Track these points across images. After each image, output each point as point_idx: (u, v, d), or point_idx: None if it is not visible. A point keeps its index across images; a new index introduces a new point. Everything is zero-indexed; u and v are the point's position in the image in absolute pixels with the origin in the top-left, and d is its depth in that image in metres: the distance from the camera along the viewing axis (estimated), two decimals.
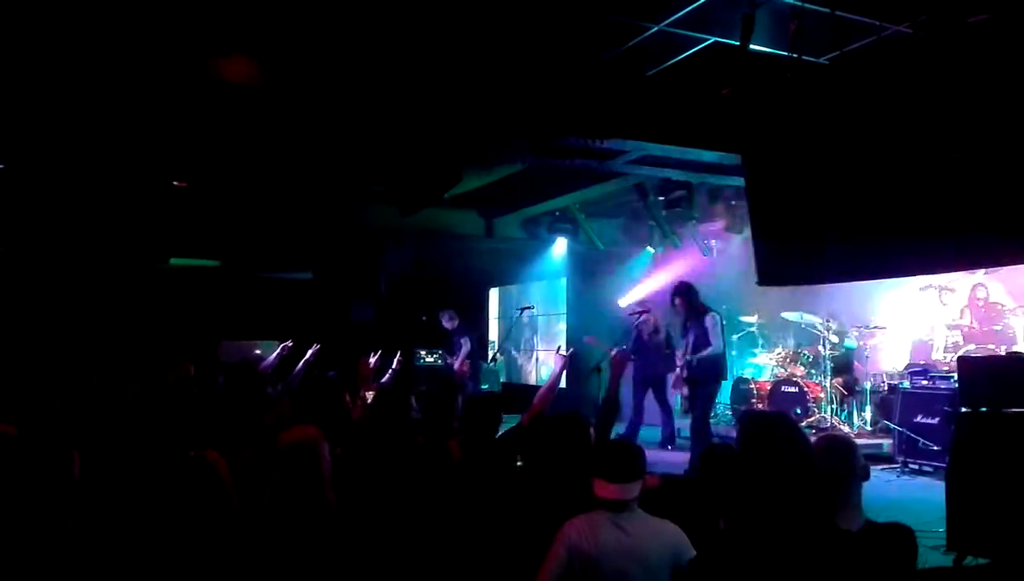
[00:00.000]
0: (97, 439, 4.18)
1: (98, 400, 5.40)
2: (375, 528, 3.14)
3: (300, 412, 5.32)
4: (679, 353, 8.18)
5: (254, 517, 2.90)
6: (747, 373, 11.28)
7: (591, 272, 13.60)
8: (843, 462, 2.92)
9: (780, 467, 2.15)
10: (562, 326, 14.24)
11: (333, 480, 3.01)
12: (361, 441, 3.99)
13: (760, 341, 11.43)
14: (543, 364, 15.05)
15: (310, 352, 6.67)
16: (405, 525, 3.33)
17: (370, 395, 5.45)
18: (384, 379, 6.91)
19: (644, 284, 12.59)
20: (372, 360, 7.10)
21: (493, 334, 15.74)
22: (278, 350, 6.79)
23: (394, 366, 7.37)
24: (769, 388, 10.26)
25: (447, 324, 11.28)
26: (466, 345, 11.12)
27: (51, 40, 6.10)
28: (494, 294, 16.10)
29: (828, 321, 9.80)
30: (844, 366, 9.92)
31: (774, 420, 2.33)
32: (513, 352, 15.63)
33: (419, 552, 3.27)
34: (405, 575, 3.15)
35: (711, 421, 9.36)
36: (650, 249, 12.87)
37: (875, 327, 10.01)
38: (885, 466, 7.48)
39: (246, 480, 3.31)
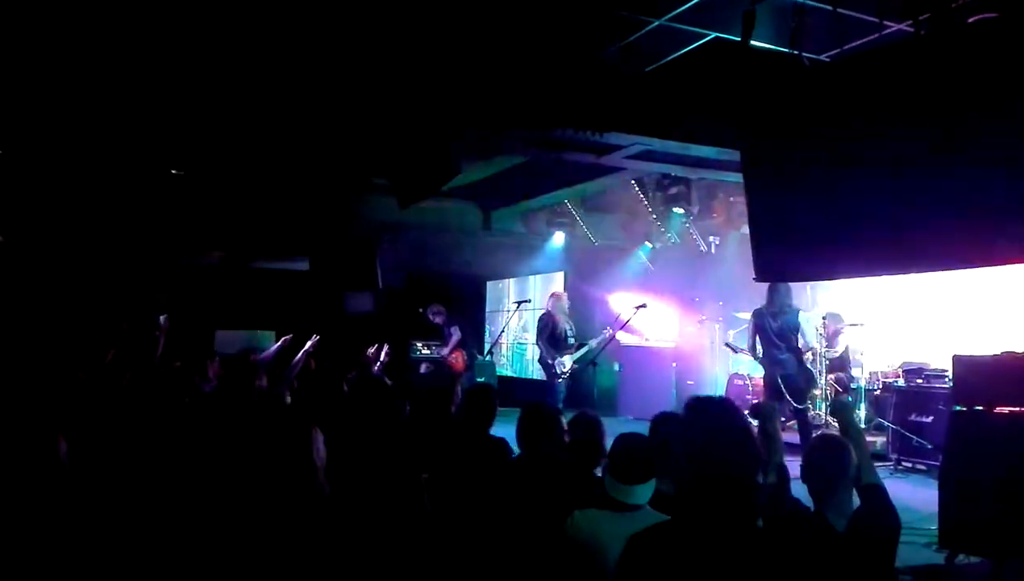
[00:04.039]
0: (87, 427, 4.17)
1: (87, 389, 5.38)
2: (368, 518, 3.14)
3: (297, 402, 5.34)
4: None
5: (247, 506, 2.90)
6: (743, 369, 11.29)
7: (589, 267, 13.61)
8: (835, 462, 2.95)
9: (718, 451, 2.18)
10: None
11: (327, 469, 3.01)
12: (348, 429, 3.99)
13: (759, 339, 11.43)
14: (534, 358, 15.07)
15: (309, 343, 6.69)
16: (398, 515, 3.33)
17: None
18: (374, 370, 6.93)
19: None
20: (370, 351, 7.13)
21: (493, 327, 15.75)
22: (278, 343, 6.82)
23: (382, 358, 7.39)
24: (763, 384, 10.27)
25: (434, 319, 11.29)
26: (456, 334, 11.11)
27: (50, 28, 6.07)
28: (492, 287, 16.10)
29: (824, 318, 9.81)
30: (840, 364, 9.93)
31: (718, 406, 2.37)
32: (508, 346, 15.63)
33: (413, 543, 3.27)
34: (398, 566, 3.15)
35: None
36: (648, 244, 12.87)
37: (851, 324, 9.99)
38: (878, 464, 7.49)
39: (240, 469, 3.32)
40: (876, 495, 2.93)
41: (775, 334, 7.84)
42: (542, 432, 3.84)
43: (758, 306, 8.24)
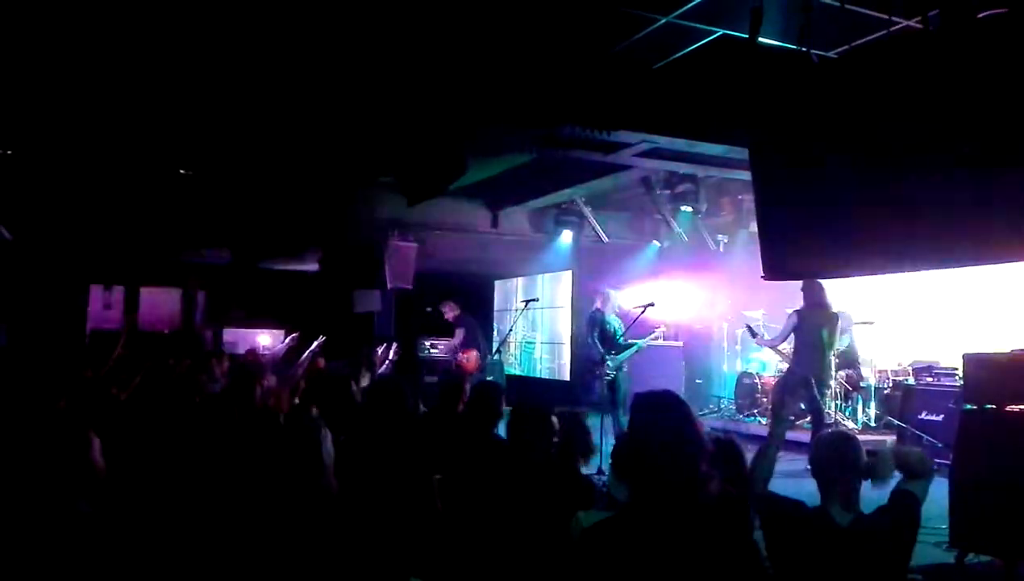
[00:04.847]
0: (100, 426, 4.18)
1: (100, 390, 5.40)
2: (378, 517, 3.14)
3: (307, 401, 5.35)
4: None
5: (255, 504, 2.90)
6: (752, 368, 11.27)
7: (597, 265, 13.59)
8: (842, 458, 2.94)
9: (665, 444, 2.23)
10: (566, 319, 14.26)
11: (336, 468, 3.01)
12: (361, 429, 3.99)
13: (765, 336, 11.40)
14: (543, 357, 15.07)
15: (315, 343, 6.71)
16: (405, 512, 3.33)
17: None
18: (383, 369, 6.94)
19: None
20: (379, 351, 7.14)
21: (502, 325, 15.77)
22: (286, 341, 6.85)
23: (391, 356, 7.40)
24: (773, 383, 10.25)
25: (448, 315, 11.25)
26: (458, 336, 11.05)
27: (59, 29, 6.10)
28: (500, 286, 16.11)
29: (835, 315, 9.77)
30: (849, 362, 9.90)
31: (661, 398, 2.41)
32: (515, 344, 15.65)
33: (422, 543, 3.27)
34: (407, 565, 3.15)
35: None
36: (656, 243, 12.84)
37: (862, 322, 9.96)
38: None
39: (249, 468, 3.32)
40: (900, 506, 2.94)
41: (814, 333, 7.89)
42: (533, 432, 3.74)
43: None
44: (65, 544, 2.56)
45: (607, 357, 8.70)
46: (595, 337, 8.86)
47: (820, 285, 7.91)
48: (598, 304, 9.13)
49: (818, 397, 7.85)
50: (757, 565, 2.33)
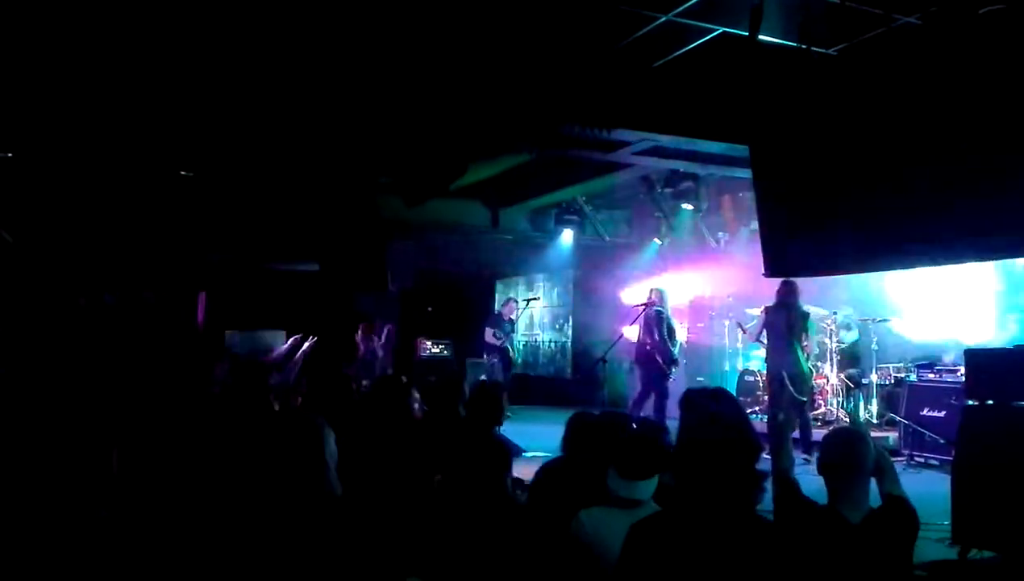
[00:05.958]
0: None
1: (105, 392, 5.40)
2: (376, 514, 3.14)
3: (309, 402, 5.35)
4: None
5: (258, 504, 2.91)
6: (752, 365, 11.26)
7: (597, 264, 13.59)
8: (851, 456, 2.94)
9: (724, 443, 2.19)
10: (568, 318, 14.25)
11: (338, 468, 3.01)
12: (361, 430, 3.99)
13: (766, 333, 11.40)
14: (544, 355, 15.08)
15: (307, 344, 6.68)
16: (406, 512, 3.33)
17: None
18: (378, 353, 6.87)
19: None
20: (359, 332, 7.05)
21: None
22: (288, 343, 6.83)
23: (382, 340, 7.33)
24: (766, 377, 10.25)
25: (509, 315, 11.28)
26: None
27: (59, 31, 6.10)
28: (501, 286, 16.11)
29: (834, 312, 9.78)
30: (851, 358, 9.90)
31: (717, 396, 2.37)
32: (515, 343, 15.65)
33: (421, 540, 3.27)
34: (406, 564, 3.15)
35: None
36: (657, 241, 12.84)
37: (881, 320, 9.96)
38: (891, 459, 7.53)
39: (252, 468, 3.32)
40: (899, 505, 2.94)
41: (779, 329, 7.97)
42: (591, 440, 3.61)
43: (765, 301, 8.39)
44: (87, 547, 2.57)
45: (674, 354, 8.80)
46: (665, 335, 8.78)
47: (791, 283, 7.97)
48: (656, 301, 9.00)
49: (795, 393, 7.85)
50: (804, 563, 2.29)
